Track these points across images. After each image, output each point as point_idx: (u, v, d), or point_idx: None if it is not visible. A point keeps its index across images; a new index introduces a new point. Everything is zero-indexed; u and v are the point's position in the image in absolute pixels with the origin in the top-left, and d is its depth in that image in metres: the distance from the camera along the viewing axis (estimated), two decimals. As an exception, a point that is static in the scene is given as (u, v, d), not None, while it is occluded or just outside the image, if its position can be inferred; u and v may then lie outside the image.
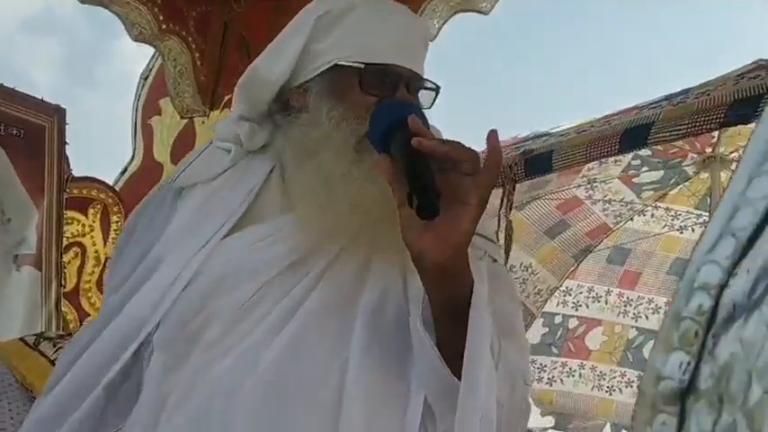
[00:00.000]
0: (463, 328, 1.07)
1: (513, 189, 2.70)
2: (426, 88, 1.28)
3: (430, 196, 1.00)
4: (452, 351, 1.09)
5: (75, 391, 1.17)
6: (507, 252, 2.77)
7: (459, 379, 1.07)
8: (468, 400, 1.07)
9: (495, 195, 3.19)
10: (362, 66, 1.23)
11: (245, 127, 1.30)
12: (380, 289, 1.19)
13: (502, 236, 2.72)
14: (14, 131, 2.80)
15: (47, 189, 2.80)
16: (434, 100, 1.30)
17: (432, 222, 1.01)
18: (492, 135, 1.05)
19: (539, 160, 2.65)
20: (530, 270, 4.19)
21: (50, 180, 2.83)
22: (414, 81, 1.26)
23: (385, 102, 1.20)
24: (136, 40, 2.89)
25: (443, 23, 2.86)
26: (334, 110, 1.22)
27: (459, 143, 1.05)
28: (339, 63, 1.25)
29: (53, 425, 1.15)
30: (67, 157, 2.93)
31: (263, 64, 1.31)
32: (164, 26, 2.88)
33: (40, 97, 2.91)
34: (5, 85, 2.84)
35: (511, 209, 2.73)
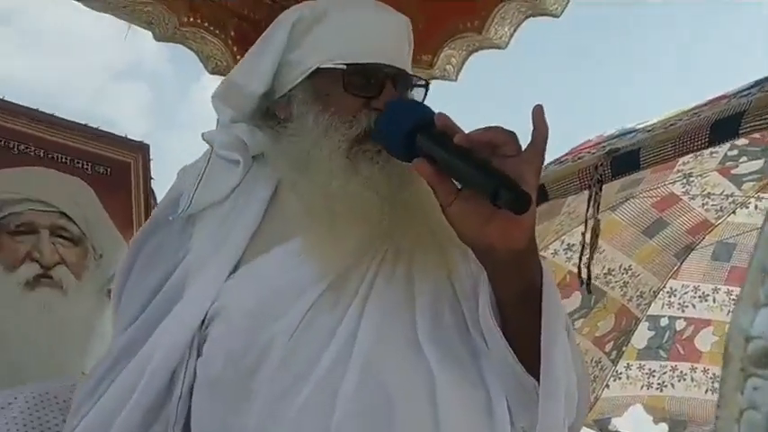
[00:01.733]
0: (535, 313, 1.05)
1: (600, 190, 2.60)
2: (416, 85, 1.24)
3: (518, 188, 0.96)
4: (523, 341, 1.07)
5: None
6: (592, 253, 2.66)
7: (533, 371, 1.06)
8: (551, 390, 1.06)
9: (582, 199, 3.09)
10: (344, 67, 1.19)
11: (243, 128, 1.24)
12: (431, 294, 1.15)
13: (588, 236, 2.62)
14: (101, 170, 2.87)
15: (135, 223, 2.86)
16: (425, 96, 1.25)
17: (493, 213, 0.98)
18: (538, 110, 1.02)
19: (626, 158, 2.54)
20: (630, 272, 4.03)
21: (138, 214, 2.88)
22: (400, 78, 1.22)
23: (392, 105, 1.15)
24: (212, 73, 2.93)
25: (514, 30, 2.79)
26: (320, 116, 1.18)
27: (495, 126, 1.02)
28: (321, 67, 1.20)
29: None
30: (153, 192, 2.98)
31: (239, 76, 1.27)
32: (238, 57, 2.90)
33: (124, 134, 2.98)
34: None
35: (598, 210, 2.62)
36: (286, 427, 1.06)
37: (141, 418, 1.12)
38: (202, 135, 1.29)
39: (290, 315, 1.11)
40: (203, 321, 1.14)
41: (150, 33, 2.78)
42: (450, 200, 1.03)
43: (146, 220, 2.83)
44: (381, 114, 1.15)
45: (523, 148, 1.03)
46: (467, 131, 1.05)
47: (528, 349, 1.08)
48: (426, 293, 1.16)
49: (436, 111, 1.11)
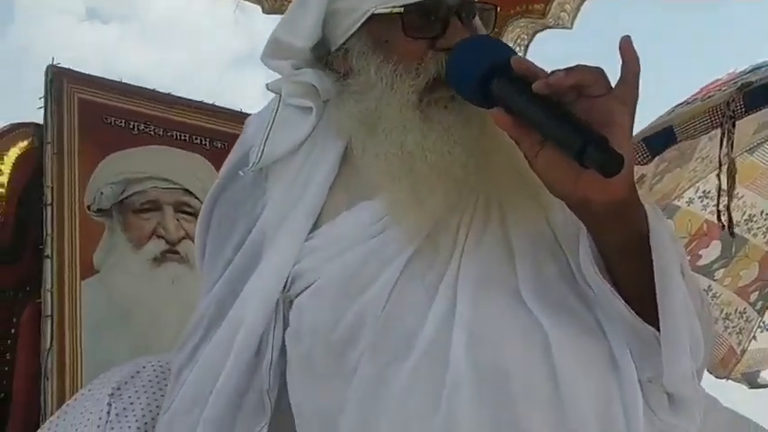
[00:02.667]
0: (645, 261, 0.97)
1: (733, 127, 2.42)
2: (484, 10, 1.13)
3: (607, 148, 0.86)
4: (635, 292, 0.99)
5: (195, 401, 1.12)
6: (730, 196, 2.50)
7: (650, 320, 0.99)
8: (673, 338, 0.99)
9: (716, 143, 2.91)
10: (401, 8, 1.07)
11: (309, 73, 1.15)
12: (530, 243, 1.07)
13: (723, 178, 2.46)
14: (219, 144, 2.90)
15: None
16: (495, 21, 1.14)
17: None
18: (626, 42, 0.92)
19: (760, 92, 2.36)
20: (774, 217, 3.79)
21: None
22: (465, 8, 1.09)
23: (462, 45, 1.03)
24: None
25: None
26: (382, 68, 1.08)
27: (578, 66, 0.91)
28: (375, 12, 1.09)
29: None
30: (271, 162, 2.98)
31: (282, 33, 1.18)
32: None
33: (239, 109, 3.00)
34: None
35: (732, 149, 2.45)
36: (392, 398, 1.01)
37: (236, 384, 1.10)
38: (267, 86, 1.21)
39: (380, 283, 1.05)
40: (285, 283, 1.10)
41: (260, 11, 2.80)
42: (535, 151, 0.94)
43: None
44: (451, 56, 1.04)
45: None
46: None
47: (643, 299, 1.00)
48: (524, 243, 1.08)
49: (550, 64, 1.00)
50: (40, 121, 2.65)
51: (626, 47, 0.93)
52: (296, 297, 1.09)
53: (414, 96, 1.06)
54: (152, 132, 2.82)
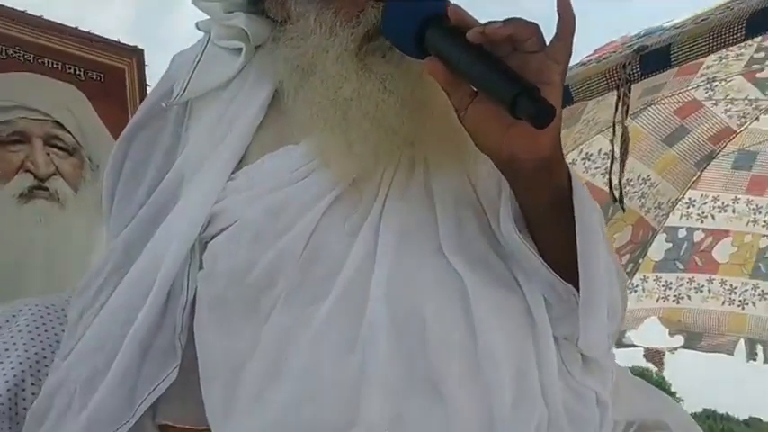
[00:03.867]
0: (567, 221, 0.97)
1: (629, 91, 2.45)
2: None
3: (540, 98, 0.85)
4: (556, 252, 1.01)
5: (101, 344, 1.07)
6: (623, 164, 2.54)
7: (570, 281, 1.00)
8: (592, 299, 1.00)
9: (603, 106, 2.95)
10: None
11: (241, 17, 1.12)
12: (452, 198, 1.06)
13: (617, 146, 2.50)
14: (94, 76, 2.74)
15: (131, 132, 2.73)
16: None
17: (514, 120, 0.87)
18: (563, 0, 0.90)
19: (655, 56, 2.38)
20: (648, 183, 3.92)
21: (134, 122, 2.76)
22: None
23: None
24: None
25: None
26: (321, 14, 1.06)
27: (515, 18, 0.89)
28: None
29: (88, 383, 1.06)
30: (149, 98, 2.84)
31: None
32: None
33: (117, 39, 2.83)
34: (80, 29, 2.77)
35: (627, 114, 2.48)
36: (304, 344, 0.99)
37: (148, 327, 1.05)
38: (196, 24, 1.19)
39: (300, 226, 1.02)
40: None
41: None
42: (466, 104, 0.93)
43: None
44: (386, 5, 1.02)
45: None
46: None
47: (563, 260, 1.00)
48: (447, 198, 1.07)
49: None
50: None
51: (563, 5, 0.92)
52: (212, 238, 1.06)
53: (352, 45, 1.05)
54: (21, 58, 2.63)
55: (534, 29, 0.90)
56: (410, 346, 0.97)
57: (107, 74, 2.76)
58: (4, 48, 2.59)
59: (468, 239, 1.05)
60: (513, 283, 1.04)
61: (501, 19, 0.91)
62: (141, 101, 2.76)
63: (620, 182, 2.61)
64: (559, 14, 0.92)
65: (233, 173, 1.07)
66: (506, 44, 0.90)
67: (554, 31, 0.91)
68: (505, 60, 0.90)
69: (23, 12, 2.66)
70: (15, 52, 2.61)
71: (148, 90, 2.84)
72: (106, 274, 1.11)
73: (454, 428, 0.95)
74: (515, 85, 0.86)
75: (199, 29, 1.19)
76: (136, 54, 2.85)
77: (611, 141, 2.57)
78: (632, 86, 2.65)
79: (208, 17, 1.17)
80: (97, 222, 2.60)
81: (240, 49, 1.12)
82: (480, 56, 0.90)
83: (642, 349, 4.36)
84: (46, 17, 2.72)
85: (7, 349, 1.23)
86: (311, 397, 0.97)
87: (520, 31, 0.90)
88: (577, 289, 1.00)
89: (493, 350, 0.98)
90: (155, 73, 2.92)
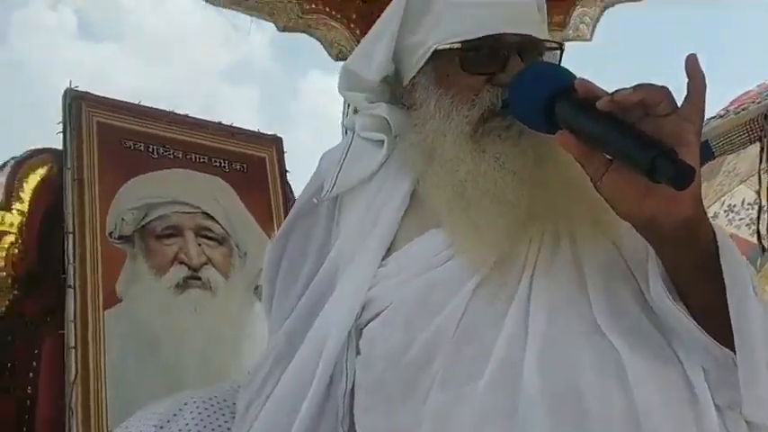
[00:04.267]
0: (717, 280, 0.95)
1: (772, 141, 2.36)
2: (548, 49, 1.14)
3: (677, 159, 0.85)
4: (709, 314, 0.98)
5: None
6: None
7: (723, 339, 0.97)
8: (750, 360, 0.96)
9: (743, 156, 2.85)
10: (460, 45, 1.10)
11: (383, 107, 1.18)
12: (602, 270, 1.06)
13: (764, 196, 2.41)
14: (238, 166, 2.86)
15: (275, 218, 2.84)
16: (560, 59, 1.15)
17: (651, 183, 0.87)
18: (692, 59, 0.91)
19: (797, 104, 2.30)
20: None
21: (277, 208, 2.86)
22: (527, 46, 1.11)
23: (526, 71, 1.04)
24: (337, 60, 2.90)
25: (595, 24, 2.69)
26: (440, 100, 1.10)
27: (645, 84, 0.90)
28: (438, 48, 1.11)
29: None
30: (290, 185, 2.95)
31: (355, 65, 1.22)
32: (361, 39, 2.84)
33: (257, 129, 2.96)
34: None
35: (769, 162, 2.39)
36: (465, 422, 1.01)
37: (312, 415, 1.09)
38: (342, 123, 1.29)
39: (451, 308, 1.05)
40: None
41: (260, 30, 2.77)
42: (601, 173, 0.94)
43: (285, 213, 2.84)
44: (514, 81, 1.05)
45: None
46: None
47: (716, 322, 0.98)
48: (595, 269, 1.07)
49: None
50: (58, 145, 2.60)
51: (692, 64, 0.92)
52: (366, 324, 1.10)
53: (467, 127, 1.09)
54: (171, 155, 2.78)
55: (665, 92, 0.91)
56: (569, 420, 0.97)
57: (250, 164, 2.89)
58: (155, 147, 2.74)
59: (619, 309, 1.04)
60: (669, 353, 1.02)
61: (629, 86, 0.92)
62: (283, 188, 2.88)
63: (768, 230, 2.50)
64: (688, 74, 0.92)
65: (383, 260, 1.11)
66: (638, 109, 0.91)
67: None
68: (638, 126, 0.90)
69: (170, 111, 2.83)
70: (166, 150, 2.76)
71: (288, 176, 2.96)
72: (270, 366, 1.15)
73: None
74: (652, 149, 0.86)
75: (344, 126, 1.26)
76: (275, 142, 2.97)
77: (758, 192, 2.48)
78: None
79: (351, 116, 1.24)
80: (247, 308, 2.70)
81: (383, 141, 1.17)
82: (612, 123, 0.90)
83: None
84: (189, 114, 2.88)
85: None
86: None
87: (650, 96, 0.90)
88: (734, 352, 0.97)
89: (654, 425, 0.96)
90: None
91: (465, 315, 1.05)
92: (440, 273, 1.07)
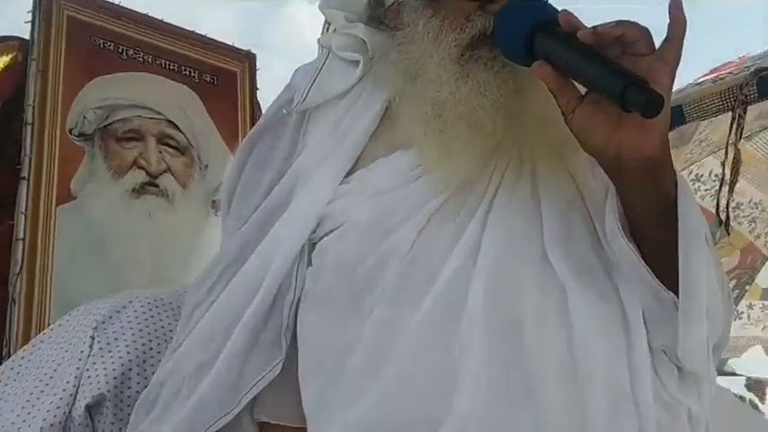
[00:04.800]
0: (672, 226, 0.97)
1: (745, 112, 2.38)
2: None
3: (648, 88, 0.88)
4: (660, 256, 1.00)
5: (211, 336, 1.11)
6: (732, 187, 2.46)
7: (669, 285, 0.98)
8: (691, 305, 0.98)
9: (715, 126, 2.86)
10: None
11: (360, 28, 1.17)
12: (558, 204, 1.07)
13: (729, 167, 2.43)
14: (208, 78, 2.82)
15: (240, 133, 2.81)
16: None
17: (621, 118, 0.91)
18: (675, 2, 0.93)
19: (775, 78, 2.31)
20: (760, 207, 3.78)
21: (244, 124, 2.83)
22: None
23: (511, 4, 1.04)
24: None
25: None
26: (429, 22, 1.09)
27: (626, 21, 0.92)
28: None
29: (196, 372, 1.10)
30: (259, 103, 2.91)
31: None
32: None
33: (231, 42, 2.91)
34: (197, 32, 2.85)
35: (741, 136, 2.41)
36: (404, 341, 1.01)
37: (256, 322, 1.09)
38: (318, 40, 1.28)
39: (406, 228, 1.06)
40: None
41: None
42: (573, 105, 0.95)
43: (251, 129, 2.81)
44: (499, 15, 1.05)
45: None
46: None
47: (666, 265, 0.99)
48: (553, 204, 1.08)
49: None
50: (26, 35, 2.54)
51: (675, 7, 0.93)
52: (321, 239, 1.10)
53: (455, 50, 1.07)
54: (141, 59, 2.73)
55: (644, 31, 0.92)
56: (506, 349, 0.98)
57: (220, 76, 2.84)
58: (125, 48, 2.69)
59: (572, 245, 1.05)
60: (614, 293, 1.03)
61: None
62: (251, 104, 2.84)
63: (727, 204, 2.53)
64: (671, 16, 0.93)
65: (346, 177, 1.11)
66: (616, 46, 0.92)
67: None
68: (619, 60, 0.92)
69: (145, 14, 2.76)
70: (135, 53, 2.71)
71: (258, 94, 2.91)
72: (219, 272, 1.14)
73: None
74: (625, 78, 0.88)
75: (319, 44, 1.26)
76: (248, 58, 2.92)
77: (723, 163, 2.50)
78: (748, 108, 2.57)
79: (328, 34, 1.22)
80: (203, 221, 2.68)
81: (358, 62, 1.17)
82: (591, 55, 0.92)
83: (744, 378, 4.21)
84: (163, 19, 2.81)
85: (116, 339, 1.27)
86: (407, 392, 0.99)
87: (631, 33, 0.92)
88: (678, 297, 0.98)
89: (590, 360, 0.97)
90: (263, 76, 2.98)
91: (420, 236, 1.05)
92: (402, 193, 1.07)
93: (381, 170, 1.10)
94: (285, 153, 1.17)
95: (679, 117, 2.49)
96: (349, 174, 1.11)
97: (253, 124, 2.79)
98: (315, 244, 1.11)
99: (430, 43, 1.09)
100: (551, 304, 1.00)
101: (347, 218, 1.08)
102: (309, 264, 1.11)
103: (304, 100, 1.16)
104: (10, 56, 2.51)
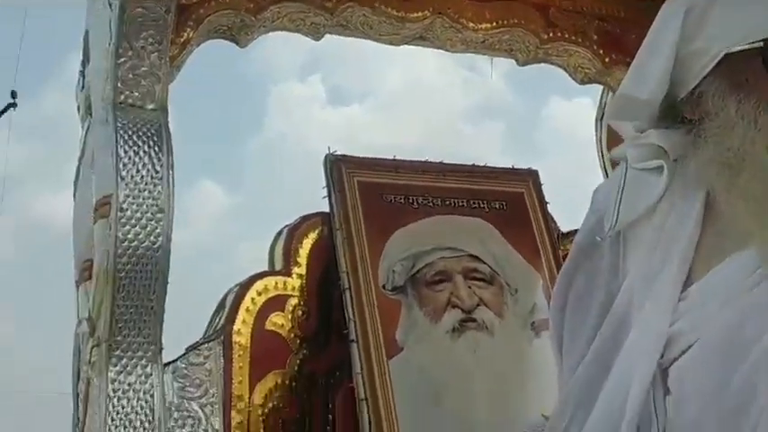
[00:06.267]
0: None
1: None
2: None
3: None
4: None
5: None
6: None
7: None
8: None
9: None
10: (761, 43, 1.03)
11: (653, 134, 1.12)
12: None
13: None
14: (497, 205, 2.85)
15: (542, 251, 2.79)
16: None
17: None
18: None
19: None
20: None
21: (542, 242, 2.81)
22: None
23: None
24: (582, 83, 2.84)
25: None
26: (742, 106, 1.03)
27: None
28: (729, 52, 1.04)
29: None
30: (551, 216, 2.90)
31: (630, 88, 1.14)
32: (606, 59, 2.75)
33: (510, 166, 2.95)
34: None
35: None
36: None
37: None
38: (610, 154, 1.27)
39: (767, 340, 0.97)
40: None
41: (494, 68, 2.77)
42: None
43: (551, 246, 2.79)
44: None
45: None
46: None
47: None
48: None
49: None
50: (324, 208, 2.73)
51: None
52: (672, 363, 1.05)
53: None
54: (431, 203, 2.83)
55: None
56: None
57: (508, 200, 2.87)
58: (414, 198, 2.81)
59: None
60: None
61: None
62: (545, 220, 2.83)
63: None
64: None
65: (681, 293, 1.05)
66: None
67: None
68: None
69: (425, 161, 2.88)
70: (425, 200, 2.81)
71: (548, 207, 2.91)
72: (571, 413, 1.11)
73: None
74: None
75: (612, 158, 1.24)
76: (531, 175, 2.94)
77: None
78: None
79: (618, 147, 1.22)
80: (525, 345, 2.67)
81: (660, 168, 1.12)
82: None
83: None
84: (445, 162, 2.92)
85: None
86: None
87: None
88: None
89: None
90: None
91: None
92: (748, 300, 1.00)
93: (721, 278, 1.03)
94: (607, 279, 1.15)
95: None
96: (684, 288, 1.06)
97: (551, 240, 2.79)
98: (666, 369, 1.05)
99: (749, 129, 1.03)
100: None
101: (698, 336, 1.02)
102: (667, 392, 1.05)
103: (616, 222, 1.13)
104: (317, 231, 2.71)
